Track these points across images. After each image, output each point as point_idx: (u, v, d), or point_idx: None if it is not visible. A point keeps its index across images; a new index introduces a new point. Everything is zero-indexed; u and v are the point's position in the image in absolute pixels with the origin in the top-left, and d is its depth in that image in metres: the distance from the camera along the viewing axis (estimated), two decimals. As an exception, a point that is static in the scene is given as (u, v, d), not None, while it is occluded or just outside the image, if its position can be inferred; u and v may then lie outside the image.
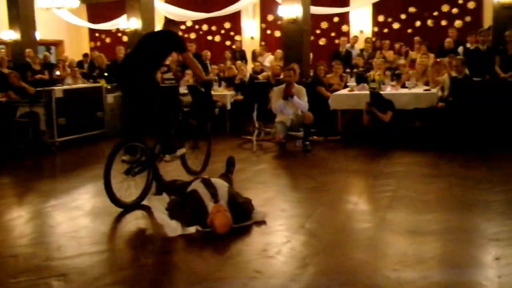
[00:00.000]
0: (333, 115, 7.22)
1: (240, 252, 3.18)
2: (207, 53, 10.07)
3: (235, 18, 13.03)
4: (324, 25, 11.88)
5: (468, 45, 8.73)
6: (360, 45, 10.43)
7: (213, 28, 13.40)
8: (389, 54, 9.26)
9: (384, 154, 6.14)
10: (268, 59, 10.68)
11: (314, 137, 6.86)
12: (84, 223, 3.88)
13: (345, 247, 3.20)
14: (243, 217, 3.65)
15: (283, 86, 6.43)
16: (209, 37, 13.23)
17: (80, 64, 10.65)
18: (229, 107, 8.17)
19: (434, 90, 6.87)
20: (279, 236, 3.44)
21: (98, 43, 14.57)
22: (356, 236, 3.40)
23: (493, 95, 6.26)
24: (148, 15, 9.29)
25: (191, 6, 12.48)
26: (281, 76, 8.85)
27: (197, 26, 13.57)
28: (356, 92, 7.19)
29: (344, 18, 11.94)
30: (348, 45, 10.15)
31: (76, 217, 4.04)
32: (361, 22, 11.77)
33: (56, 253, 3.26)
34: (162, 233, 3.53)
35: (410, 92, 6.85)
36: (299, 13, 8.14)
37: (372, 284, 2.63)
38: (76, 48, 13.93)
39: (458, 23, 10.87)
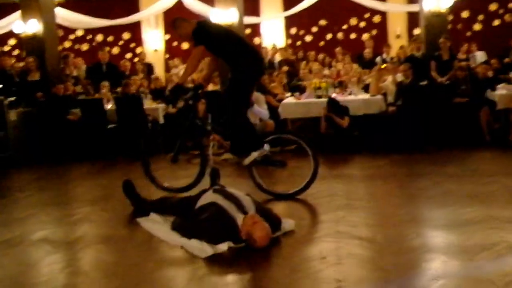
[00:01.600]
0: (283, 125, 7.28)
1: (303, 263, 2.97)
2: (126, 63, 9.41)
3: (135, 28, 12.47)
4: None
5: (384, 55, 9.75)
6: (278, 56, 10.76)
7: (110, 38, 12.63)
8: (315, 65, 9.72)
9: (350, 159, 6.39)
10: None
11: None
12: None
13: (400, 243, 3.19)
14: (275, 227, 3.43)
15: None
16: (107, 48, 12.37)
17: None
18: (162, 121, 7.71)
19: (379, 96, 7.37)
20: (326, 242, 3.30)
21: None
22: (406, 231, 3.40)
23: (436, 98, 6.94)
24: (48, 18, 8.33)
25: (84, 13, 11.56)
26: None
27: (89, 36, 12.64)
28: (304, 100, 7.37)
29: (255, 30, 12.23)
30: (269, 57, 10.40)
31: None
32: (273, 34, 12.19)
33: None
34: (188, 255, 3.13)
35: (359, 98, 7.25)
36: (235, 19, 8.01)
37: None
38: None
39: (365, 36, 11.95)
